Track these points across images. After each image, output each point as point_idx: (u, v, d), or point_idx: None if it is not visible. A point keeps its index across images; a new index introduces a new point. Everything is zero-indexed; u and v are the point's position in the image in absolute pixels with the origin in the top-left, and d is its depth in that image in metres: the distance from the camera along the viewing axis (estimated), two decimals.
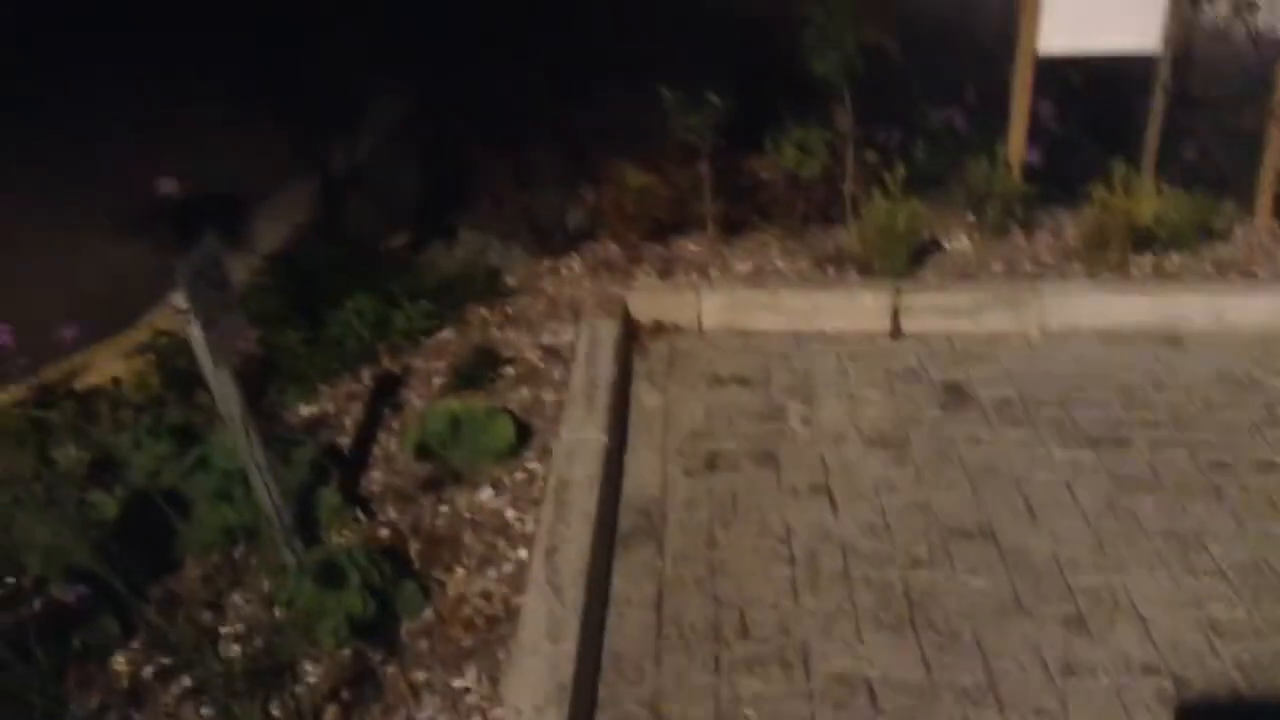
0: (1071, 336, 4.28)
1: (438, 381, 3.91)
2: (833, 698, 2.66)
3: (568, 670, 2.50)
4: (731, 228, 4.89)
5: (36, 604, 2.76)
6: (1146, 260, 4.57)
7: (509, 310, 4.41)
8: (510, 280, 4.65)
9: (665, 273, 4.58)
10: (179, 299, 2.40)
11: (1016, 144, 4.74)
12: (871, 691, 2.68)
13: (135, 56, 9.62)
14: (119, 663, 2.66)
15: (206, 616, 2.79)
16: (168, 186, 2.41)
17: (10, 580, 2.87)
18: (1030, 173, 4.82)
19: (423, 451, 3.38)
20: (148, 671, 2.63)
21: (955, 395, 3.90)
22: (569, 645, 2.57)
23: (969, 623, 2.87)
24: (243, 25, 10.32)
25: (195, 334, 2.44)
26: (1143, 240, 4.57)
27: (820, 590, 2.99)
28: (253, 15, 10.40)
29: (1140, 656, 2.76)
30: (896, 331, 4.31)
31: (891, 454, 3.58)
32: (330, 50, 9.30)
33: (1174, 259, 4.57)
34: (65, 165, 6.69)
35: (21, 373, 2.54)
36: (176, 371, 3.66)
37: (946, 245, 4.72)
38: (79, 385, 3.62)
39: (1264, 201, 4.77)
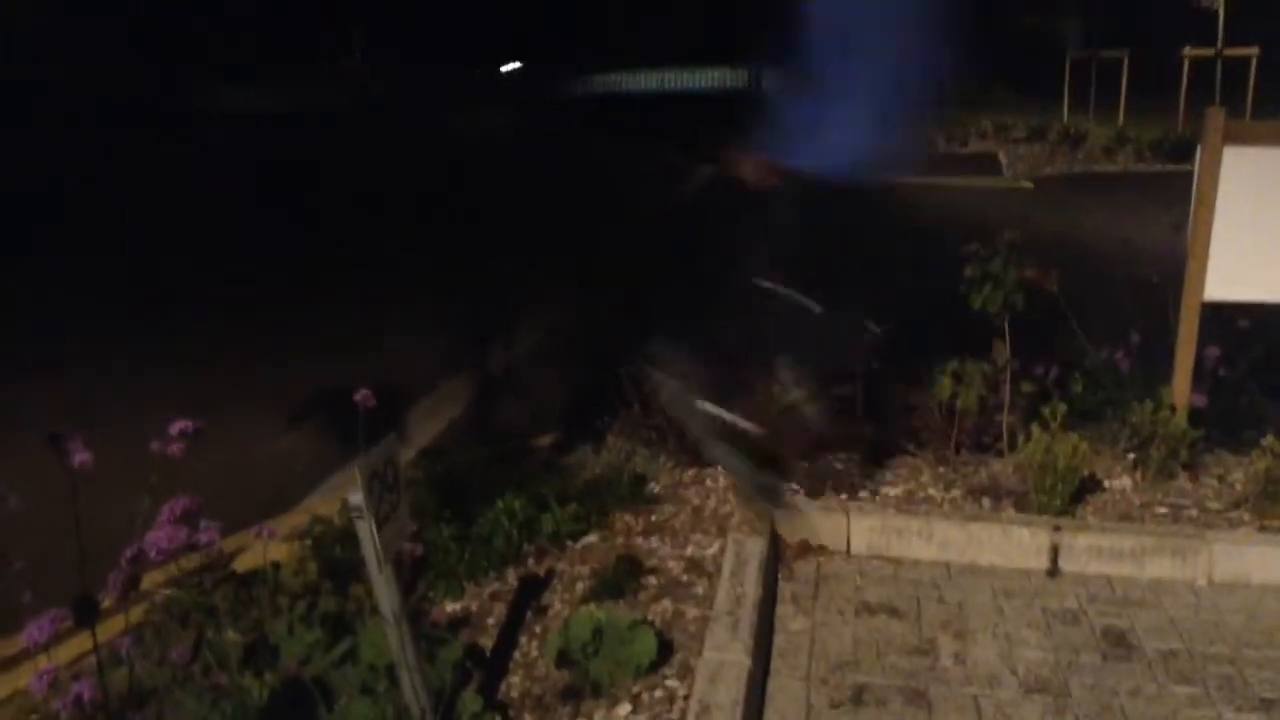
0: (1240, 589, 4.06)
1: (580, 587, 3.90)
2: None
3: None
4: (882, 451, 4.86)
5: None
6: None
7: (653, 518, 4.42)
8: (654, 488, 4.67)
9: (813, 492, 4.55)
10: (354, 498, 2.47)
11: (1181, 387, 4.65)
12: None
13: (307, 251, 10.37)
14: None
15: None
16: (364, 398, 2.52)
17: None
18: (1195, 416, 4.70)
19: (564, 659, 3.34)
20: None
21: (1117, 643, 3.71)
22: None
23: None
24: (411, 228, 11.07)
25: (366, 533, 2.51)
26: None
27: None
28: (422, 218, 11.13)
29: None
30: (1054, 570, 4.16)
31: (1050, 701, 3.39)
32: (492, 255, 9.85)
33: None
34: (241, 354, 7.14)
35: (207, 558, 2.63)
36: (332, 559, 3.75)
37: (1107, 484, 4.59)
38: (239, 566, 3.73)
39: None
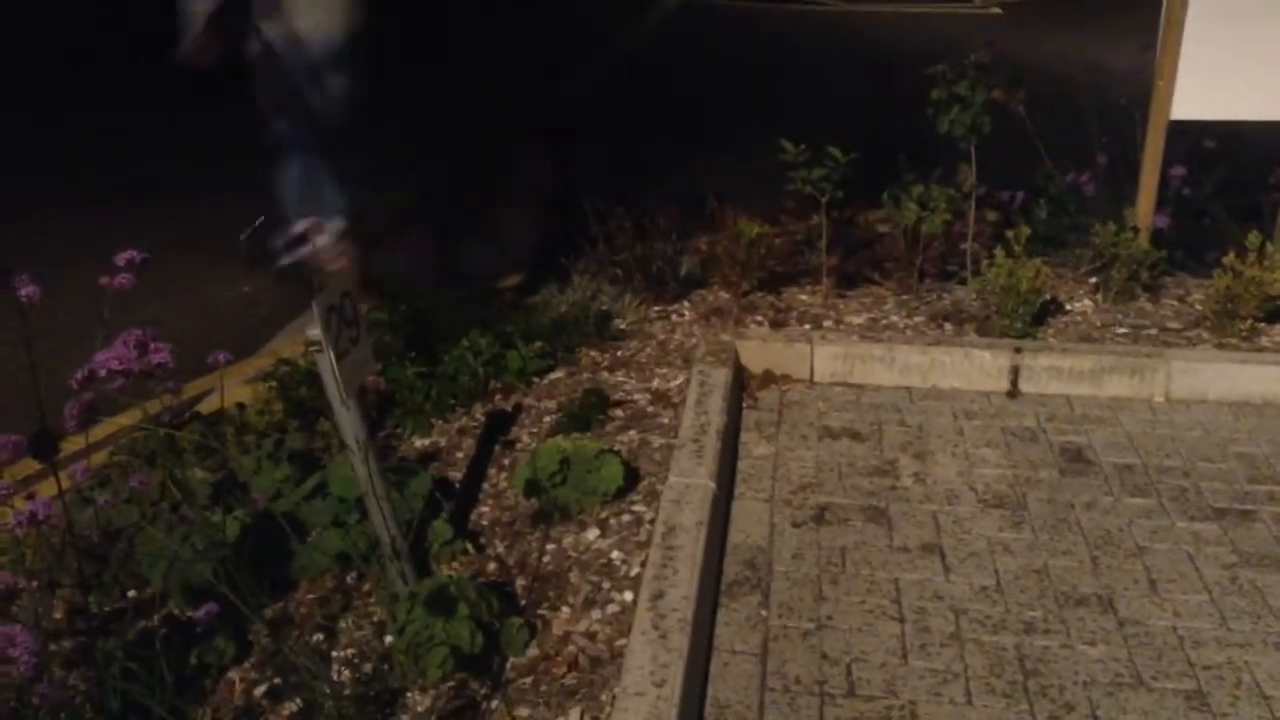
0: (1196, 405, 4.14)
1: (548, 420, 3.94)
2: None
3: (671, 715, 2.47)
4: (846, 280, 4.87)
5: (155, 619, 2.83)
6: (1278, 331, 4.42)
7: (619, 353, 4.44)
8: (621, 324, 4.69)
9: (777, 323, 4.57)
10: (313, 332, 2.46)
11: (1145, 208, 4.65)
12: None
13: None
14: (233, 681, 2.71)
15: (318, 639, 2.83)
16: (313, 230, 2.48)
17: (131, 594, 2.96)
18: (1158, 238, 4.71)
19: (532, 489, 3.39)
20: (260, 691, 2.68)
21: (1075, 459, 3.80)
22: (673, 691, 2.55)
23: (1085, 693, 2.76)
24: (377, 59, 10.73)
25: (327, 366, 2.51)
26: (1275, 311, 4.43)
27: (930, 651, 2.91)
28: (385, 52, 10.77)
29: None
30: (1014, 391, 4.22)
31: (1007, 516, 3.49)
32: (455, 95, 9.57)
33: None
34: (204, 197, 6.98)
35: (166, 394, 2.62)
36: (298, 399, 3.76)
37: (1069, 307, 4.63)
38: (204, 409, 3.74)
39: None
